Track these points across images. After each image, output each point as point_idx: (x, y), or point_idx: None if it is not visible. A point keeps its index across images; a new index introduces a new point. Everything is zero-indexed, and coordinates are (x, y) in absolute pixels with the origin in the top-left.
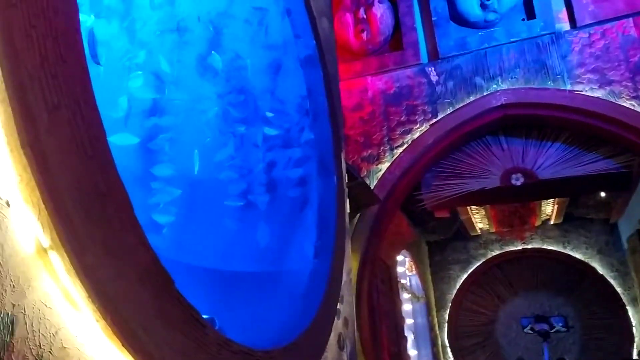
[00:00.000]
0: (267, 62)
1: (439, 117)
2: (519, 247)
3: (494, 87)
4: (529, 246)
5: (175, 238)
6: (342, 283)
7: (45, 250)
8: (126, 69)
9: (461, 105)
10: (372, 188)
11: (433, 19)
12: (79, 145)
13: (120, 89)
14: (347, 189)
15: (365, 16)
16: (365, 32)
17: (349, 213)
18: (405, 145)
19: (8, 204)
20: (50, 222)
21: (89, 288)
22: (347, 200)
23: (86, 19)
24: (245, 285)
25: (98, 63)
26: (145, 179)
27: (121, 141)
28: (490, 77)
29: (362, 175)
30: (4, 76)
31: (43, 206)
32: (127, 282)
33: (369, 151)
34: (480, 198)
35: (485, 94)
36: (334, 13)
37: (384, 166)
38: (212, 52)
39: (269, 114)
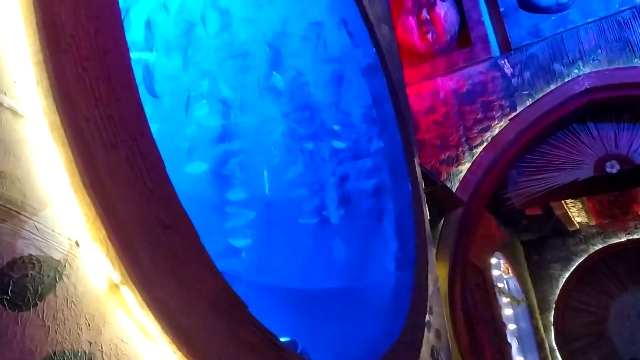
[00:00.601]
0: (328, 75)
1: (518, 111)
2: (624, 239)
3: (575, 72)
4: (635, 236)
5: (254, 260)
6: (429, 293)
7: (117, 286)
8: (192, 99)
9: (541, 95)
10: (454, 191)
11: (501, 9)
12: (139, 179)
13: (187, 119)
14: (424, 195)
15: (428, 17)
16: (430, 33)
17: (431, 219)
18: (485, 144)
19: (77, 244)
20: (118, 258)
21: (162, 320)
22: (426, 207)
23: (148, 56)
24: (327, 303)
25: (155, 96)
26: (220, 205)
27: (192, 169)
28: (570, 62)
29: (442, 179)
30: (61, 121)
31: (109, 243)
32: (199, 311)
33: (447, 153)
34: (573, 190)
35: (566, 80)
36: (395, 18)
37: (464, 167)
38: (273, 72)
39: (336, 127)
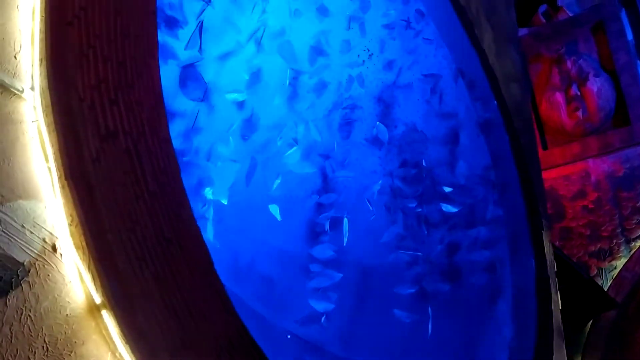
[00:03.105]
0: (443, 131)
1: None
2: None
3: None
4: None
5: (337, 329)
6: None
7: (97, 308)
8: (284, 144)
9: None
10: (605, 289)
11: None
12: (138, 179)
13: (277, 163)
14: (555, 279)
15: (579, 93)
16: (580, 110)
17: (576, 321)
18: None
19: (54, 249)
20: (97, 271)
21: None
22: (558, 294)
23: (242, 96)
24: None
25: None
26: (304, 261)
27: (272, 212)
28: None
29: (591, 274)
30: (51, 100)
31: (89, 252)
32: (197, 356)
33: (598, 245)
34: None
35: None
36: (540, 93)
37: (620, 263)
38: (377, 122)
39: (447, 189)
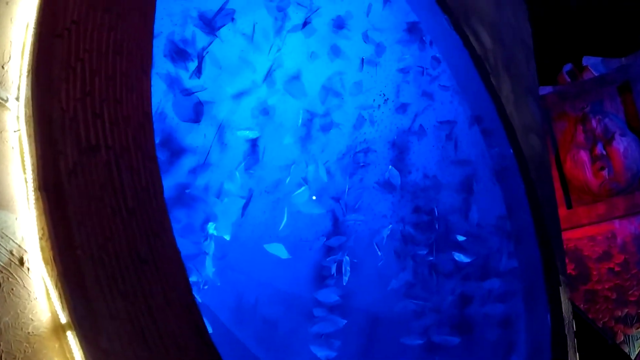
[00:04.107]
0: (457, 179)
1: None
2: None
3: None
4: None
5: None
6: None
7: (62, 328)
8: (293, 184)
9: None
10: (632, 358)
11: None
12: (116, 194)
13: (285, 203)
14: (573, 337)
15: (604, 152)
16: (606, 170)
17: None
18: None
19: (21, 263)
20: (63, 290)
21: None
22: (577, 355)
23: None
24: None
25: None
26: (308, 305)
27: (272, 250)
28: None
29: (617, 341)
30: (33, 108)
31: (55, 267)
32: None
33: (625, 310)
34: None
35: None
36: (565, 151)
37: None
38: (390, 167)
39: (461, 238)
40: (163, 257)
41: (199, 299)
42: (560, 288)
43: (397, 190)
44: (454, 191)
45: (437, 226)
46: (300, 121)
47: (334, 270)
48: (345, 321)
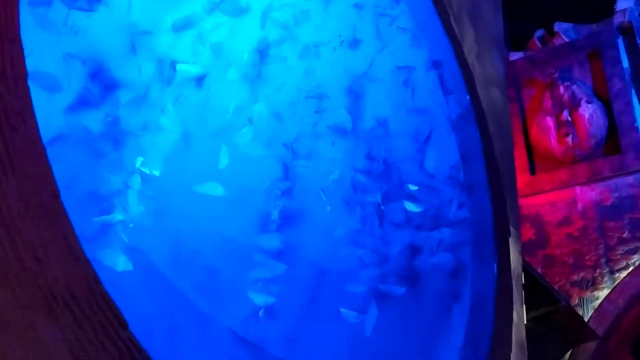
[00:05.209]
0: (414, 127)
1: None
2: None
3: None
4: None
5: (279, 328)
6: None
7: None
8: (237, 123)
9: None
10: (586, 320)
11: None
12: None
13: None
14: (522, 292)
15: (570, 118)
16: (570, 136)
17: (553, 350)
18: (631, 268)
19: None
20: None
21: None
22: (523, 308)
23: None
24: None
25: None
26: (248, 250)
27: (206, 190)
28: None
29: (572, 304)
30: None
31: None
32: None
33: (581, 274)
34: None
35: None
36: (531, 117)
37: (602, 293)
38: (342, 110)
39: (413, 187)
40: (21, 155)
41: (125, 238)
42: (510, 239)
43: (349, 136)
44: (408, 139)
45: (388, 175)
46: (246, 56)
47: (277, 215)
48: (286, 266)
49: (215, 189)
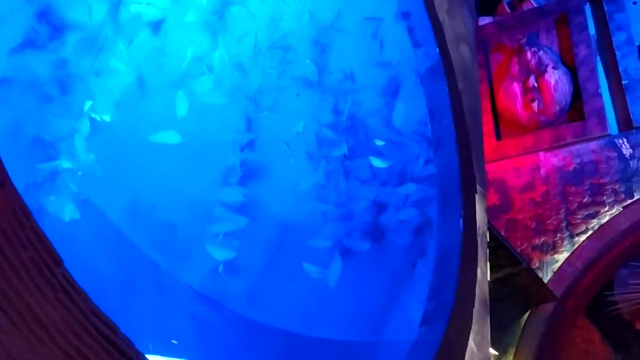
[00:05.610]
0: (381, 81)
1: (635, 198)
2: None
3: None
4: None
5: (241, 284)
6: None
7: None
8: (196, 72)
9: None
10: (545, 282)
11: (624, 82)
12: None
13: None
14: (486, 249)
15: (536, 84)
16: (536, 102)
17: (513, 310)
18: (590, 232)
19: None
20: None
21: None
22: (487, 265)
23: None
24: (327, 359)
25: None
26: (207, 203)
27: (162, 139)
28: None
29: (533, 267)
30: None
31: None
32: None
33: (542, 238)
34: None
35: None
36: (498, 82)
37: (562, 257)
38: (307, 61)
39: (380, 143)
40: None
41: (73, 187)
42: (477, 197)
43: (314, 89)
44: (375, 93)
45: (355, 129)
46: (205, 1)
47: (239, 168)
48: (248, 220)
49: (171, 137)
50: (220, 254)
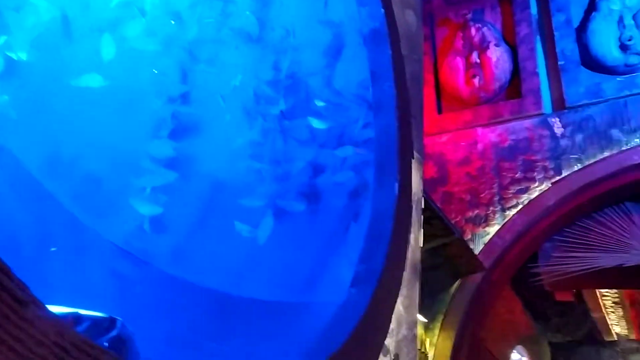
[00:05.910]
0: (324, 40)
1: (563, 175)
2: None
3: (635, 141)
4: None
5: (168, 242)
6: (399, 338)
7: None
8: (126, 15)
9: (592, 161)
10: (476, 254)
11: (560, 63)
12: None
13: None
14: (420, 216)
15: (478, 60)
16: (477, 78)
17: (444, 280)
18: (520, 206)
19: None
20: None
21: None
22: (421, 232)
23: None
24: (254, 318)
25: None
26: (134, 156)
27: (85, 82)
28: (631, 129)
29: (465, 238)
30: None
31: None
32: None
33: (476, 211)
34: (615, 279)
35: (624, 149)
36: (442, 57)
37: (493, 229)
38: (247, 13)
39: (320, 104)
40: None
41: None
42: (413, 162)
43: (254, 44)
44: (317, 52)
45: (295, 88)
46: None
47: (171, 121)
48: (177, 175)
49: (95, 81)
50: (146, 209)
